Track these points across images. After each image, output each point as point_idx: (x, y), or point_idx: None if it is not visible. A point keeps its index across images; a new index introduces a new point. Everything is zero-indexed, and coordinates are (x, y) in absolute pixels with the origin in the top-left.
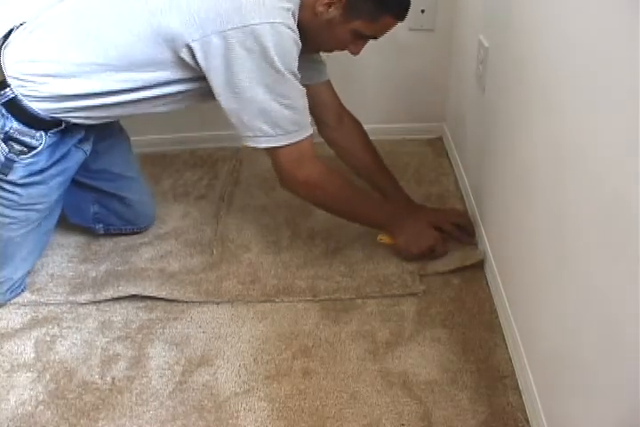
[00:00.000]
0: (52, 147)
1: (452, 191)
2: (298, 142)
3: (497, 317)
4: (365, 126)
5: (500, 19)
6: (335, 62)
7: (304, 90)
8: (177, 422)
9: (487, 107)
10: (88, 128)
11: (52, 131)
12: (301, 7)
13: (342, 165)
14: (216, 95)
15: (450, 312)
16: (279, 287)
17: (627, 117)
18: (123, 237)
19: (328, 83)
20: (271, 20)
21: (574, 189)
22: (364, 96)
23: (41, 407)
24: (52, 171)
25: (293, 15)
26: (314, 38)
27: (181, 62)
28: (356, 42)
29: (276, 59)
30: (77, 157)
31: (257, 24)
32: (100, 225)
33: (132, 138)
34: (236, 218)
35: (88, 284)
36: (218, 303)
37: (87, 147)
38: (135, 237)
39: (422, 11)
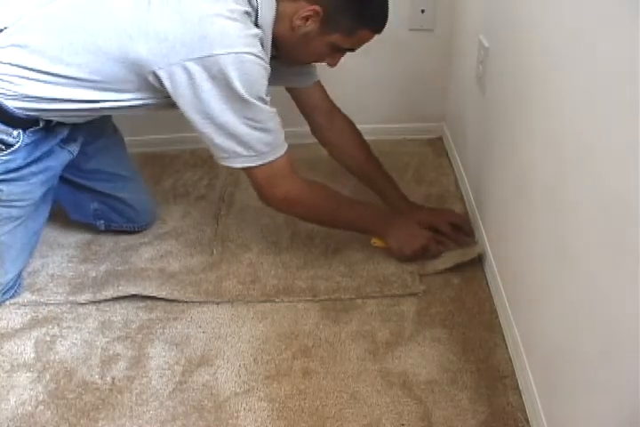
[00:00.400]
0: (32, 145)
1: (452, 191)
2: (272, 162)
3: (497, 317)
4: (365, 126)
5: (500, 19)
6: None
7: (273, 111)
8: (177, 422)
9: (487, 107)
10: (73, 129)
11: (30, 129)
12: (277, 20)
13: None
14: (187, 119)
15: (450, 312)
16: (279, 287)
17: (627, 117)
18: (123, 237)
19: (318, 84)
20: (236, 50)
21: (574, 189)
22: (364, 96)
23: (41, 407)
24: (33, 168)
25: (262, 39)
26: (291, 51)
27: (150, 84)
28: (333, 55)
29: (240, 88)
30: (62, 157)
31: (221, 54)
32: (101, 221)
33: (132, 138)
34: (236, 218)
35: (88, 284)
36: (218, 303)
37: (74, 147)
38: (135, 236)
39: (422, 11)
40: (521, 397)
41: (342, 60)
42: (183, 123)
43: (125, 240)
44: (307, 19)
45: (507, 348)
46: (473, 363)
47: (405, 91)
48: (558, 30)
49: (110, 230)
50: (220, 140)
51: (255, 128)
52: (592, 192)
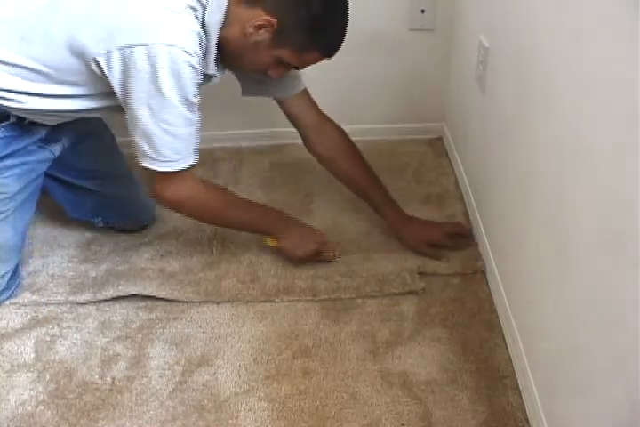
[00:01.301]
0: (5, 140)
1: (452, 191)
2: (175, 172)
3: (497, 316)
4: (365, 126)
5: (500, 19)
6: (335, 62)
7: (195, 119)
8: (177, 422)
9: (487, 107)
10: (54, 129)
11: (1, 124)
12: (228, 23)
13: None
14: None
15: (450, 312)
16: (279, 287)
17: (627, 116)
18: (123, 238)
19: (303, 94)
20: (170, 43)
21: (574, 189)
22: (364, 96)
23: (41, 407)
24: (6, 162)
25: (203, 36)
26: (236, 56)
27: (96, 75)
28: (277, 68)
29: (165, 83)
30: (41, 156)
31: (153, 44)
32: (99, 218)
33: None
34: None
35: (88, 284)
36: (218, 303)
37: (56, 147)
38: (135, 236)
39: (422, 11)
40: (521, 397)
41: (342, 60)
42: None
43: (125, 240)
44: (260, 28)
45: (507, 348)
46: (473, 363)
47: (405, 91)
48: (558, 30)
49: (110, 230)
50: (135, 134)
51: (166, 131)
52: (592, 192)
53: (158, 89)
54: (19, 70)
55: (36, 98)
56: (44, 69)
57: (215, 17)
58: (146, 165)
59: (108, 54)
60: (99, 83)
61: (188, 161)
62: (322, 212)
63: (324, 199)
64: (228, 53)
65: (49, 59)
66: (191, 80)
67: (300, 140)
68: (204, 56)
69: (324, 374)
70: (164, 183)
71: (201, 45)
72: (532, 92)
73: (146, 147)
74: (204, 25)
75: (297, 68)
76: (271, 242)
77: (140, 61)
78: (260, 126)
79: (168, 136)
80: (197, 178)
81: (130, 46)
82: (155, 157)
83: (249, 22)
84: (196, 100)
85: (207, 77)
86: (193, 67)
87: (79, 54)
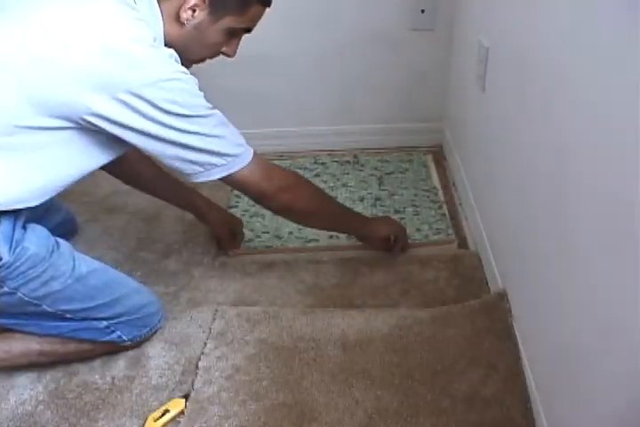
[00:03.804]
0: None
1: (452, 191)
2: (252, 160)
3: None
4: (365, 126)
5: (500, 18)
6: (335, 62)
7: (221, 117)
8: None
9: (487, 106)
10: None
11: None
12: (165, 24)
13: None
14: (146, 150)
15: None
16: None
17: (627, 116)
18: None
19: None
20: (167, 77)
21: (575, 189)
22: (364, 96)
23: (41, 407)
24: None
25: (172, 51)
26: (186, 50)
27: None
28: (229, 42)
29: (182, 109)
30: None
31: (155, 82)
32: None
33: None
34: None
35: None
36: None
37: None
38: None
39: (422, 11)
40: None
41: (343, 59)
42: None
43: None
44: (193, 10)
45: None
46: None
47: (405, 90)
48: (558, 30)
49: None
50: (191, 156)
51: (217, 137)
52: (593, 191)
53: (183, 115)
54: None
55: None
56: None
57: (159, 30)
58: (217, 176)
59: (109, 103)
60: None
61: (250, 148)
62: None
63: None
64: (178, 53)
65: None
66: (198, 90)
67: None
68: None
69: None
70: (263, 178)
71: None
72: (532, 91)
73: (212, 159)
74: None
75: (249, 31)
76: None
77: (151, 99)
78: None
79: (221, 140)
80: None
81: (134, 89)
82: (224, 161)
83: (180, 10)
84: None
85: None
86: (192, 79)
87: (62, 110)
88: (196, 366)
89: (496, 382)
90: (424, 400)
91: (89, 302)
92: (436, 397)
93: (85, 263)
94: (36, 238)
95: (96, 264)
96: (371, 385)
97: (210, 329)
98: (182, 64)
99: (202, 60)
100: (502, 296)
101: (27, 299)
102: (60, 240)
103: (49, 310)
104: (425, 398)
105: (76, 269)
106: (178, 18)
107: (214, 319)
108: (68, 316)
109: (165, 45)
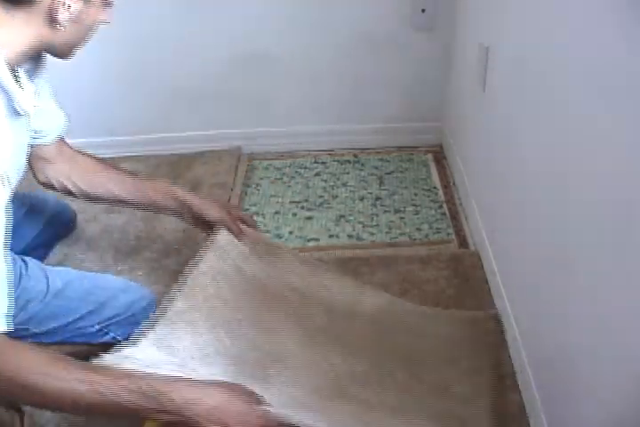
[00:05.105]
0: None
1: (452, 190)
2: None
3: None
4: (364, 126)
5: (501, 18)
6: (336, 62)
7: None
8: None
9: (488, 106)
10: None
11: None
12: (34, 40)
13: None
14: None
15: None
16: None
17: (628, 116)
18: None
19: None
20: None
21: (575, 188)
22: (365, 95)
23: None
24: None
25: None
26: (72, 43)
27: None
28: (104, 11)
29: None
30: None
31: None
32: None
33: (134, 137)
34: None
35: None
36: None
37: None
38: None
39: (423, 10)
40: (521, 396)
41: (343, 59)
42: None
43: None
44: (69, 6)
45: (507, 347)
46: None
47: (405, 90)
48: (559, 29)
49: None
50: None
51: None
52: (594, 191)
53: None
54: None
55: None
56: None
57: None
58: None
59: None
60: None
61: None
62: None
63: None
64: (61, 49)
65: None
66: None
67: None
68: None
69: None
70: None
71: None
72: (532, 90)
73: None
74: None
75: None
76: None
77: None
78: None
79: None
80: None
81: None
82: None
83: (54, 13)
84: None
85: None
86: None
87: None
88: None
89: (471, 384)
90: (394, 379)
91: (74, 313)
92: (407, 379)
93: (60, 276)
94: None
95: (72, 274)
96: (344, 351)
97: None
98: (67, 55)
99: (85, 42)
100: (496, 319)
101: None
102: (27, 259)
103: (37, 331)
104: (396, 377)
105: (50, 286)
106: (52, 22)
107: None
108: (59, 331)
109: (46, 51)
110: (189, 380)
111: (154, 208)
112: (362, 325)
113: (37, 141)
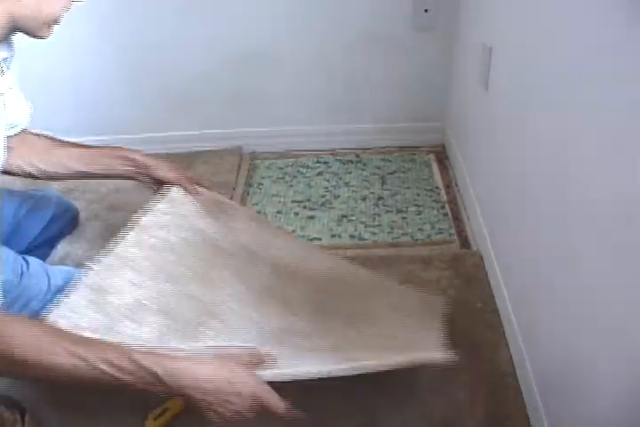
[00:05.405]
0: None
1: (453, 190)
2: None
3: (498, 315)
4: (366, 126)
5: (503, 18)
6: (337, 62)
7: None
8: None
9: (490, 106)
10: None
11: None
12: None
13: None
14: None
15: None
16: None
17: (629, 116)
18: None
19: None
20: None
21: (577, 188)
22: (367, 95)
23: (40, 405)
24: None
25: None
26: (41, 16)
27: None
28: None
29: None
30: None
31: None
32: None
33: (135, 136)
34: None
35: None
36: None
37: None
38: None
39: (425, 10)
40: (521, 396)
41: (343, 59)
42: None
43: None
44: None
45: (508, 347)
46: (474, 362)
47: (408, 90)
48: (560, 29)
49: None
50: None
51: None
52: (594, 191)
53: None
54: None
55: None
56: None
57: None
58: None
59: None
60: None
61: None
62: None
63: None
64: (28, 28)
65: None
66: None
67: None
68: None
69: None
70: None
71: None
72: (535, 90)
73: None
74: None
75: None
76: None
77: None
78: None
79: None
80: None
81: None
82: None
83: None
84: None
85: None
86: None
87: None
88: None
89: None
90: (335, 333)
91: None
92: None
93: (61, 274)
94: (3, 264)
95: (73, 272)
96: (283, 307)
97: None
98: (42, 32)
99: (58, 17)
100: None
101: None
102: (29, 258)
103: None
104: (337, 332)
105: (52, 284)
106: (35, 18)
107: None
108: None
109: (20, 29)
110: (175, 352)
111: (114, 175)
112: (306, 285)
113: (7, 133)
